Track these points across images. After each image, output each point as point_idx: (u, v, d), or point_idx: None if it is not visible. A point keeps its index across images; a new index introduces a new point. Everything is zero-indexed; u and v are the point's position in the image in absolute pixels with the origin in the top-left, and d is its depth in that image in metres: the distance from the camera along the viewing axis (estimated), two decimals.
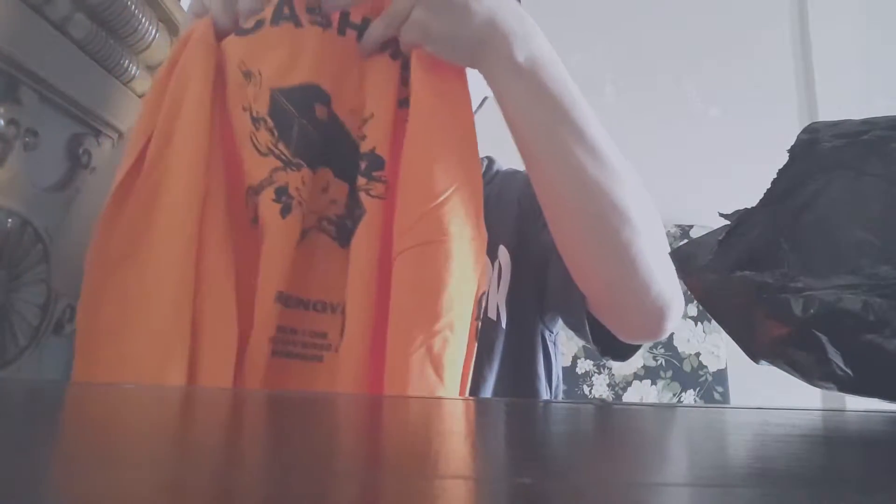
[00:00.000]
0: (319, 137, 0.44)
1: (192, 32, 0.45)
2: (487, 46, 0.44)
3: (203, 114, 0.42)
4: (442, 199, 0.40)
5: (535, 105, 0.45)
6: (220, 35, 0.45)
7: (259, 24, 0.44)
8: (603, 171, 0.45)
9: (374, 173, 0.43)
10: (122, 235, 0.41)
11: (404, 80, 0.45)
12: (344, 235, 0.44)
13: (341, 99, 0.45)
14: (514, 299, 0.58)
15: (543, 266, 0.58)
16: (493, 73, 0.45)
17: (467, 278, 0.40)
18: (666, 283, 0.48)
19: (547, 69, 0.45)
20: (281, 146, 0.43)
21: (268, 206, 0.42)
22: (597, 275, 0.48)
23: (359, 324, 0.40)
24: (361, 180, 0.43)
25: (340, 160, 0.45)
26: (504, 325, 0.57)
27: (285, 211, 0.43)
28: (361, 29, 0.45)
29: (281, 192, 0.42)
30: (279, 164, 0.43)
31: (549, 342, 0.62)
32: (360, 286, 0.41)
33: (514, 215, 0.62)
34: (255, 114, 0.44)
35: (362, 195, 0.43)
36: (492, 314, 0.57)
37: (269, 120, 0.43)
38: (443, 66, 0.45)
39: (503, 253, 0.60)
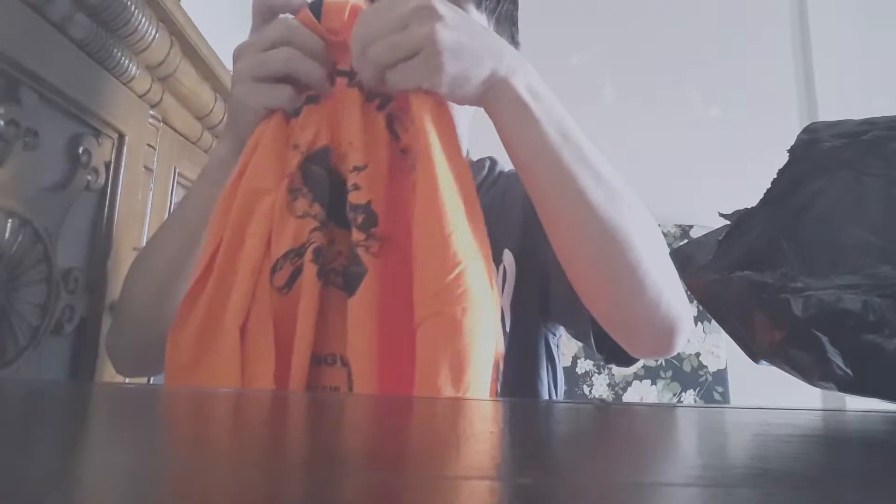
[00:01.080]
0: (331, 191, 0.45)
1: (260, 137, 0.45)
2: (496, 83, 0.45)
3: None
4: (463, 266, 0.40)
5: (539, 134, 0.45)
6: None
7: (308, 100, 0.46)
8: (606, 195, 0.46)
9: (372, 230, 0.43)
10: (191, 343, 0.41)
11: (392, 132, 0.46)
12: (351, 284, 0.43)
13: (338, 148, 0.45)
14: (518, 303, 0.58)
15: (547, 273, 0.58)
16: (500, 108, 0.46)
17: (489, 343, 0.40)
18: (674, 300, 0.48)
19: (546, 99, 0.47)
20: (316, 207, 0.43)
21: (308, 267, 0.42)
22: (606, 297, 0.48)
23: (367, 382, 0.40)
24: (358, 235, 0.43)
25: (340, 209, 0.45)
26: (508, 329, 0.57)
27: (321, 273, 0.43)
28: (347, 74, 0.46)
29: (318, 253, 0.43)
30: (316, 224, 0.43)
31: (552, 345, 0.62)
32: (364, 345, 0.41)
33: (518, 218, 0.62)
34: (293, 185, 0.44)
35: (361, 251, 0.43)
36: None
37: (304, 188, 0.44)
38: (443, 114, 0.45)
39: (507, 257, 0.60)
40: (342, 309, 0.42)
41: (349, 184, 0.44)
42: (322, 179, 0.44)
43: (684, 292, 0.49)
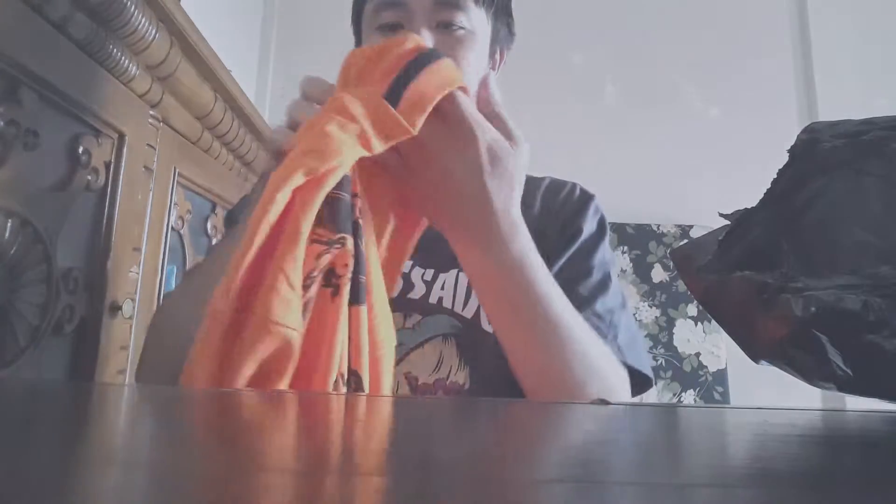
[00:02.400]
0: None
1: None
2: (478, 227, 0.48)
3: None
4: None
5: (509, 283, 0.49)
6: None
7: None
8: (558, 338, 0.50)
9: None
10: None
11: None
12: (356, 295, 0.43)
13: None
14: None
15: None
16: (466, 259, 0.50)
17: None
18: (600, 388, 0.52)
19: (530, 265, 0.50)
20: (320, 230, 0.42)
21: (319, 292, 0.41)
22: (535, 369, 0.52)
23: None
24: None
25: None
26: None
27: (334, 292, 0.42)
28: None
29: (330, 275, 0.41)
30: (323, 248, 0.42)
31: None
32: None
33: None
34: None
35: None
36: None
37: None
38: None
39: None
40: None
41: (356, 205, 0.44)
42: (333, 199, 0.43)
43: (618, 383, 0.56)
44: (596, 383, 0.52)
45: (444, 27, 0.58)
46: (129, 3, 0.60)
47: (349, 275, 0.42)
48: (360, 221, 0.43)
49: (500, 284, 0.49)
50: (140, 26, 0.63)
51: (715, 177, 1.76)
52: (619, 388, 0.57)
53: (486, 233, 0.47)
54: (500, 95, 0.51)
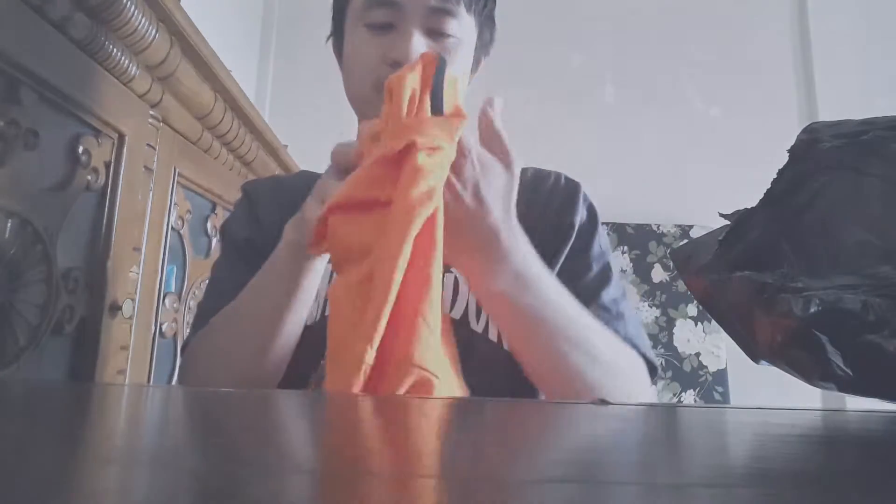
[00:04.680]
0: None
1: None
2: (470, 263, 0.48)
3: None
4: None
5: (514, 315, 0.49)
6: None
7: None
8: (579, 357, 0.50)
9: None
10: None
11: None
12: None
13: None
14: None
15: None
16: (477, 285, 0.49)
17: None
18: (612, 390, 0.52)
19: (540, 282, 0.49)
20: None
21: None
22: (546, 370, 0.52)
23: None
24: None
25: None
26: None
27: None
28: None
29: None
30: None
31: None
32: None
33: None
34: None
35: None
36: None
37: None
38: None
39: None
40: None
41: None
42: None
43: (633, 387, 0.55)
44: (619, 383, 0.53)
45: (437, 35, 0.59)
46: (129, 3, 0.60)
47: None
48: None
49: (508, 301, 0.48)
50: (140, 26, 0.63)
51: (715, 177, 1.76)
52: (639, 381, 0.57)
53: (486, 251, 0.47)
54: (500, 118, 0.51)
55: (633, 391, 0.55)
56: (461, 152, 0.45)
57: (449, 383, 0.40)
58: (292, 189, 0.67)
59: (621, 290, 0.63)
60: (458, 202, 0.45)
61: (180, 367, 0.63)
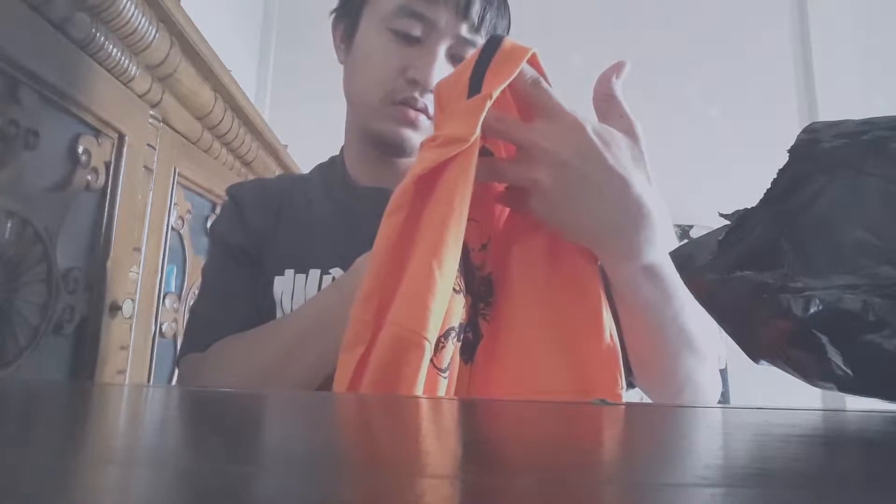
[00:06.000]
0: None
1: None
2: (616, 242, 0.42)
3: None
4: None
5: (654, 302, 0.44)
6: None
7: None
8: (692, 357, 0.47)
9: (489, 299, 0.44)
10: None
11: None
12: (467, 351, 0.43)
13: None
14: None
15: None
16: (617, 270, 0.43)
17: None
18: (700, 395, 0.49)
19: (666, 275, 0.43)
20: (461, 281, 0.41)
21: (454, 345, 0.41)
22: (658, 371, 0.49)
23: None
24: (480, 304, 0.44)
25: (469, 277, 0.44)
26: None
27: (468, 358, 0.43)
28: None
29: (461, 329, 0.41)
30: (463, 299, 0.41)
31: None
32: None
33: None
34: None
35: (480, 320, 0.44)
36: None
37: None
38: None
39: None
40: (461, 375, 0.42)
41: (477, 261, 0.45)
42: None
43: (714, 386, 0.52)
44: (713, 387, 0.50)
45: (457, 61, 0.58)
46: (128, 4, 0.60)
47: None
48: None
49: (654, 278, 0.43)
50: (140, 26, 0.63)
51: (715, 177, 1.77)
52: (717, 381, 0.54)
53: (635, 226, 0.41)
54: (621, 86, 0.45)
55: (715, 391, 0.53)
56: (572, 128, 0.40)
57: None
58: (277, 192, 0.67)
59: None
60: (584, 182, 0.39)
61: (181, 374, 0.62)
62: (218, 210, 0.99)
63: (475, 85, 0.40)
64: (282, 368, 0.50)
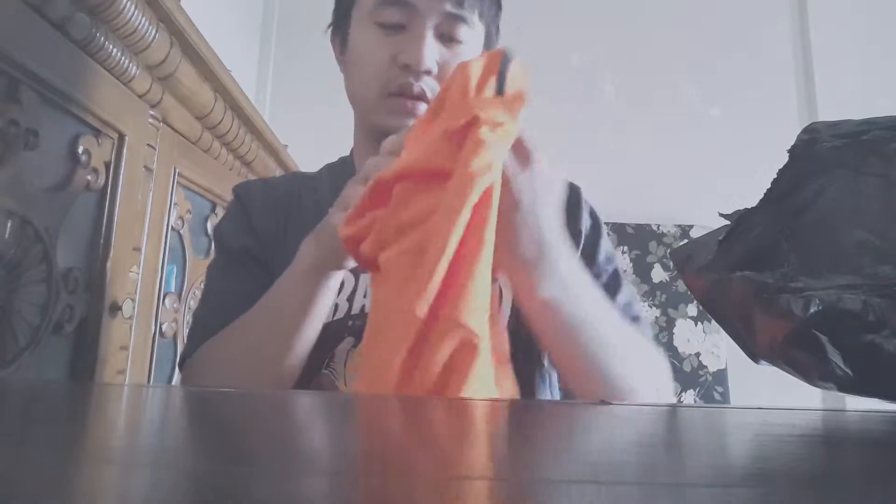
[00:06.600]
0: None
1: None
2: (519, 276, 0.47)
3: None
4: None
5: (559, 333, 0.48)
6: None
7: None
8: (608, 354, 0.50)
9: None
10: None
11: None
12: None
13: None
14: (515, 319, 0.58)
15: None
16: (521, 300, 0.48)
17: None
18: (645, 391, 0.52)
19: (564, 310, 0.48)
20: None
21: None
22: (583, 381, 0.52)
23: None
24: None
25: None
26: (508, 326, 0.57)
27: None
28: None
29: None
30: None
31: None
32: None
33: None
34: None
35: None
36: None
37: None
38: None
39: None
40: None
41: None
42: None
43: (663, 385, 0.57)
44: (651, 391, 0.53)
45: (448, 41, 0.58)
46: (128, 3, 0.60)
47: None
48: None
49: (554, 309, 0.47)
50: (140, 26, 0.63)
51: (715, 177, 1.76)
52: (667, 385, 0.58)
53: (539, 263, 0.46)
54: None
55: (662, 394, 0.56)
56: (526, 161, 0.44)
57: (487, 356, 0.39)
58: (285, 193, 0.66)
59: (631, 292, 0.64)
60: (516, 215, 0.44)
61: (182, 379, 0.62)
62: (218, 210, 0.99)
63: (500, 86, 0.44)
64: (262, 359, 0.53)
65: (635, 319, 0.60)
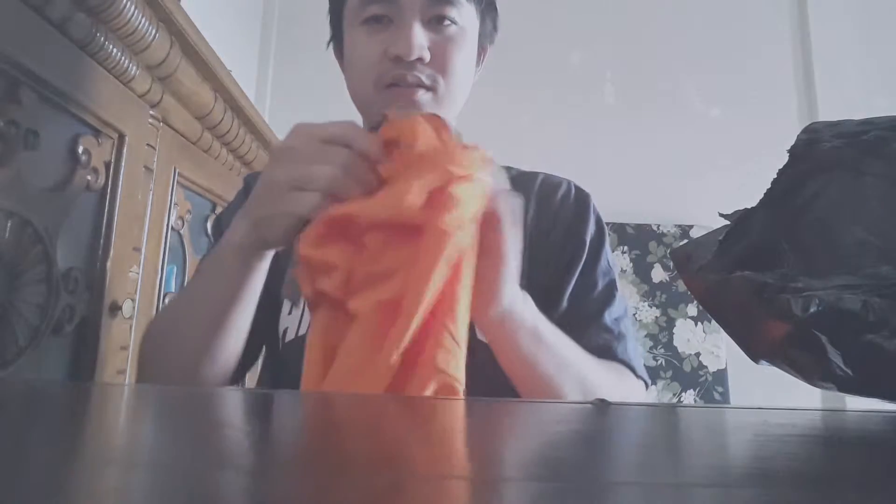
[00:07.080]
0: None
1: None
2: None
3: None
4: None
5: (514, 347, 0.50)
6: None
7: None
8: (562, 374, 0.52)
9: None
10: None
11: None
12: None
13: None
14: None
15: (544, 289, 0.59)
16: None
17: None
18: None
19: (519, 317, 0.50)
20: None
21: None
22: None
23: None
24: None
25: None
26: None
27: None
28: None
29: None
30: None
31: None
32: None
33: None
34: None
35: None
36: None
37: None
38: None
39: None
40: None
41: None
42: None
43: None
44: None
45: (437, 24, 0.58)
46: (128, 4, 0.60)
47: None
48: None
49: (507, 342, 0.50)
50: (140, 26, 0.63)
51: (715, 177, 1.76)
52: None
53: (506, 311, 0.48)
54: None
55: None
56: (508, 220, 0.45)
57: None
58: None
59: (623, 306, 0.64)
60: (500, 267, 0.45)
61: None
62: (218, 210, 0.99)
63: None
64: (189, 348, 0.52)
65: (620, 337, 0.61)
